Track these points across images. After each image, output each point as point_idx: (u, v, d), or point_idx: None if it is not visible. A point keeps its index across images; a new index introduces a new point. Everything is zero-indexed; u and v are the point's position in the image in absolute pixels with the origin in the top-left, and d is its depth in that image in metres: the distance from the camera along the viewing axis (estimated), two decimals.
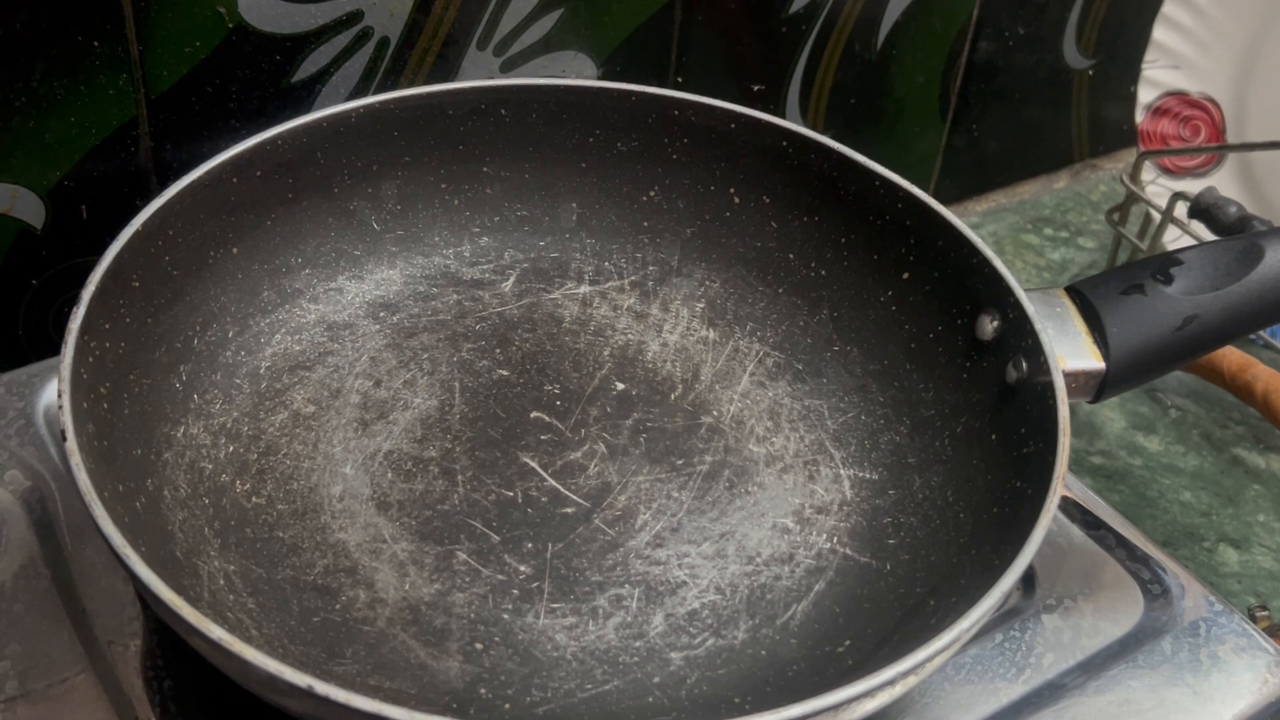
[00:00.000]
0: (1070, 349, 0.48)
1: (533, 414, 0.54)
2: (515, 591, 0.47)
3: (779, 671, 0.45)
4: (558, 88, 0.58)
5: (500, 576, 0.47)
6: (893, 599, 0.47)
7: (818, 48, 0.74)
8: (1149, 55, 0.80)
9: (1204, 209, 0.71)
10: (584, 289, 0.60)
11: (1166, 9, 0.79)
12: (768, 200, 0.58)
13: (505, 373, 0.56)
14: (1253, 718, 0.48)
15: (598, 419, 0.54)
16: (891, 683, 0.37)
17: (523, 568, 0.48)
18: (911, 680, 0.38)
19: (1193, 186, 0.77)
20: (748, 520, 0.50)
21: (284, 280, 0.56)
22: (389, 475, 0.51)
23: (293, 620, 0.45)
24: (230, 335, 0.53)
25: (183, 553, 0.45)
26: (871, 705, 0.38)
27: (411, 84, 0.63)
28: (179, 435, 0.49)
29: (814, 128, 0.68)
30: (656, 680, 0.44)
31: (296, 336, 0.55)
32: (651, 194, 0.60)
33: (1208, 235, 0.72)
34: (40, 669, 0.44)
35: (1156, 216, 0.76)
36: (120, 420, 0.45)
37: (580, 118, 0.59)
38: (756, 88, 0.74)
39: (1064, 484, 0.43)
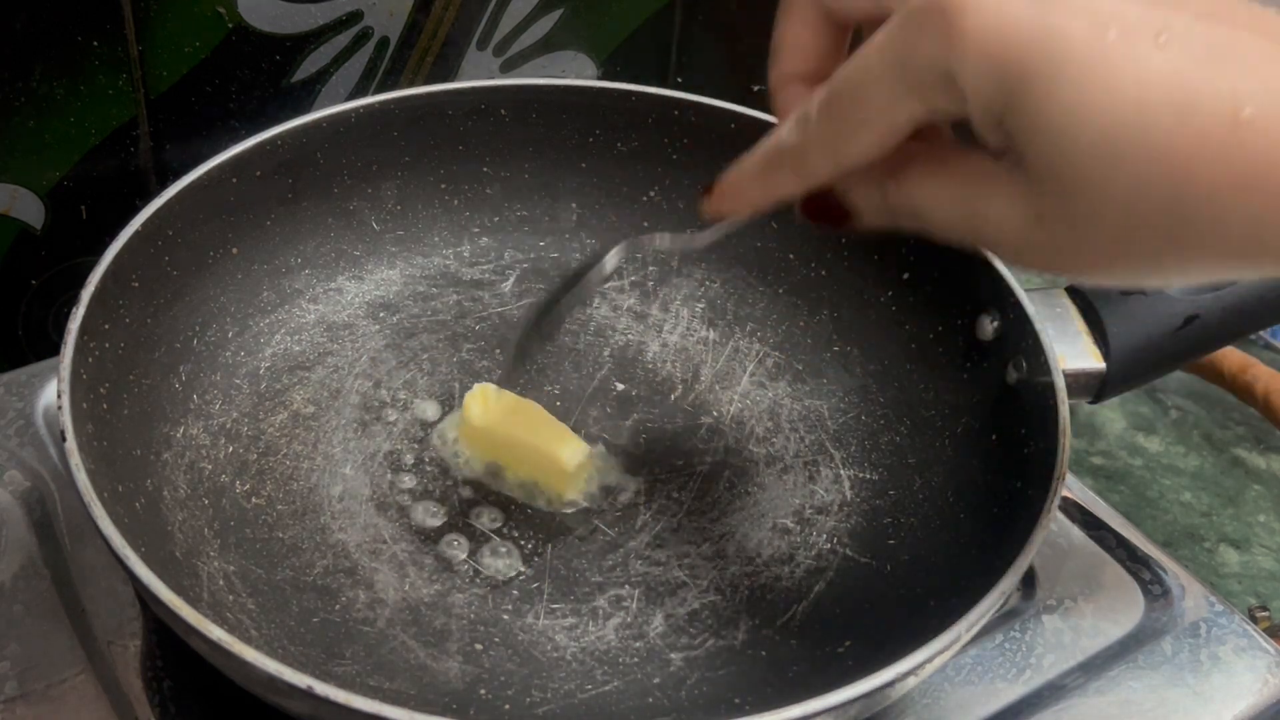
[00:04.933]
0: (1070, 349, 0.48)
1: None
2: (515, 592, 0.47)
3: (779, 672, 0.45)
4: (558, 88, 0.58)
5: (500, 577, 0.47)
6: (893, 599, 0.47)
7: None
8: None
9: None
10: None
11: None
12: None
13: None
14: (1253, 718, 0.48)
15: (598, 419, 0.54)
16: (891, 683, 0.37)
17: (523, 568, 0.48)
18: (911, 681, 0.38)
19: None
20: (748, 521, 0.50)
21: (284, 280, 0.56)
22: (389, 476, 0.51)
23: (292, 621, 0.45)
24: (230, 335, 0.53)
25: (182, 553, 0.45)
26: (872, 706, 0.38)
27: (411, 84, 0.63)
28: (178, 435, 0.49)
29: None
30: (656, 681, 0.44)
31: (296, 337, 0.55)
32: (651, 194, 0.60)
33: None
34: (40, 669, 0.44)
35: None
36: (120, 420, 0.45)
37: (580, 118, 0.59)
38: (756, 88, 0.74)
39: (1064, 484, 0.43)
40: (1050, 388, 0.46)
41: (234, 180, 0.52)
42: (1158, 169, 0.28)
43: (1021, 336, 0.48)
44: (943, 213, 0.33)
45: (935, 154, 0.33)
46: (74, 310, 0.44)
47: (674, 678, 0.44)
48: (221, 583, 0.45)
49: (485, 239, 0.60)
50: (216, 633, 0.36)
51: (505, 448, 0.50)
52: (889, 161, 0.33)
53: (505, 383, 0.49)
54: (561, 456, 0.49)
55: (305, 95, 0.60)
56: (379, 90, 0.62)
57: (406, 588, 0.47)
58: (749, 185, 0.37)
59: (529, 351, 0.47)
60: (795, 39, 0.37)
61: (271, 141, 0.53)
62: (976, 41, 0.29)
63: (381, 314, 0.57)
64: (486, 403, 0.51)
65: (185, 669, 0.45)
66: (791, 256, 0.58)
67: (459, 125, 0.58)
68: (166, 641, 0.45)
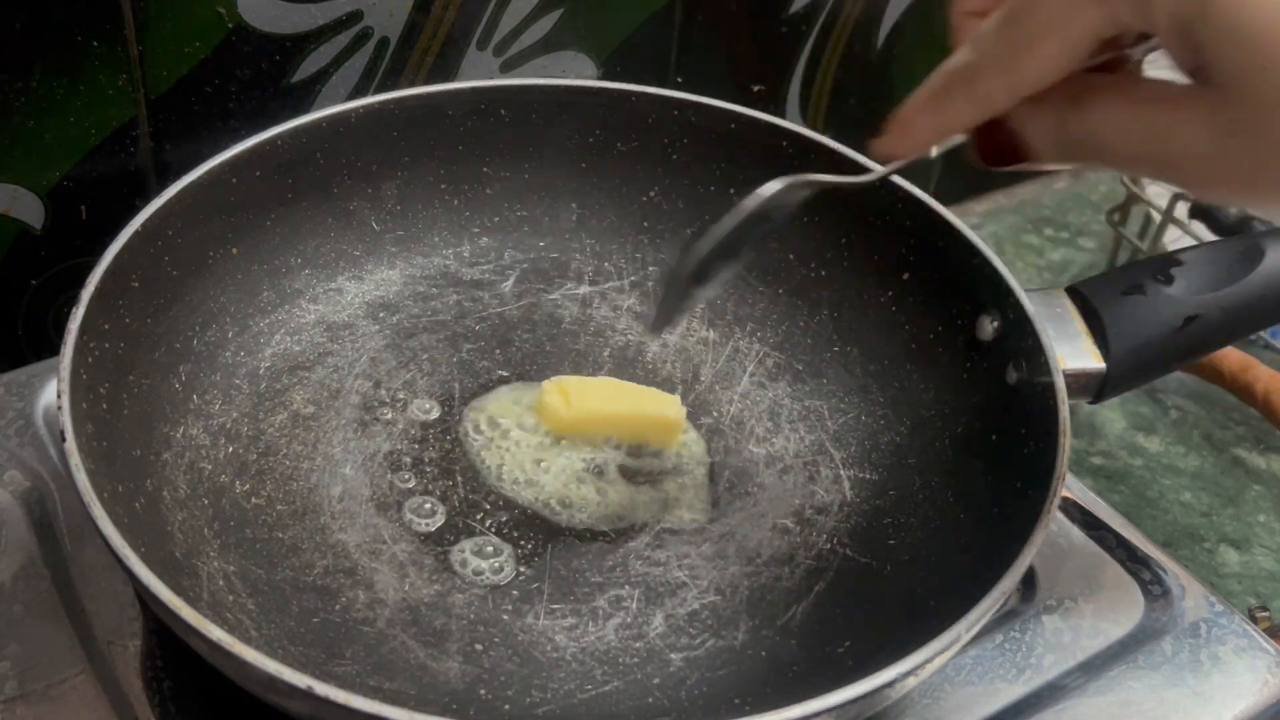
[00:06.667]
0: (1070, 349, 0.48)
1: None
2: (515, 592, 0.47)
3: (779, 672, 0.45)
4: (558, 88, 0.58)
5: (500, 577, 0.47)
6: (893, 600, 0.47)
7: (818, 48, 0.74)
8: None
9: (1204, 209, 0.71)
10: (584, 289, 0.60)
11: None
12: None
13: (505, 373, 0.56)
14: (1253, 718, 0.47)
15: None
16: (891, 684, 0.37)
17: (523, 568, 0.48)
18: (911, 681, 0.38)
19: None
20: (748, 521, 0.50)
21: (284, 280, 0.56)
22: (389, 476, 0.51)
23: (292, 621, 0.45)
24: (230, 335, 0.53)
25: (182, 553, 0.45)
26: (872, 706, 0.38)
27: (411, 84, 0.63)
28: (178, 436, 0.49)
29: (814, 128, 0.68)
30: (656, 681, 0.44)
31: (296, 337, 0.55)
32: (651, 194, 0.60)
33: (1208, 235, 0.72)
34: (40, 669, 0.44)
35: (1157, 217, 0.76)
36: (120, 421, 0.45)
37: (580, 118, 0.59)
38: (756, 88, 0.74)
39: (1064, 484, 0.43)
40: (1050, 388, 0.46)
41: (234, 180, 0.52)
42: None
43: (1021, 337, 0.48)
44: (1127, 141, 0.32)
45: (1115, 83, 0.32)
46: (74, 310, 0.44)
47: (674, 678, 0.44)
48: (221, 583, 0.45)
49: (485, 239, 0.60)
50: (216, 633, 0.36)
51: (606, 424, 0.52)
52: (1066, 93, 0.32)
53: (654, 329, 0.51)
54: (667, 412, 0.52)
55: (305, 95, 0.60)
56: (379, 90, 0.61)
57: (406, 588, 0.47)
58: (921, 117, 0.35)
59: (681, 296, 0.43)
60: None
61: (271, 141, 0.53)
62: None
63: (381, 314, 0.57)
64: (565, 395, 0.52)
65: (185, 669, 0.45)
66: (791, 257, 0.58)
67: (459, 125, 0.58)
68: (166, 641, 0.45)
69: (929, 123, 0.35)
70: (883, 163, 0.37)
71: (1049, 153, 0.34)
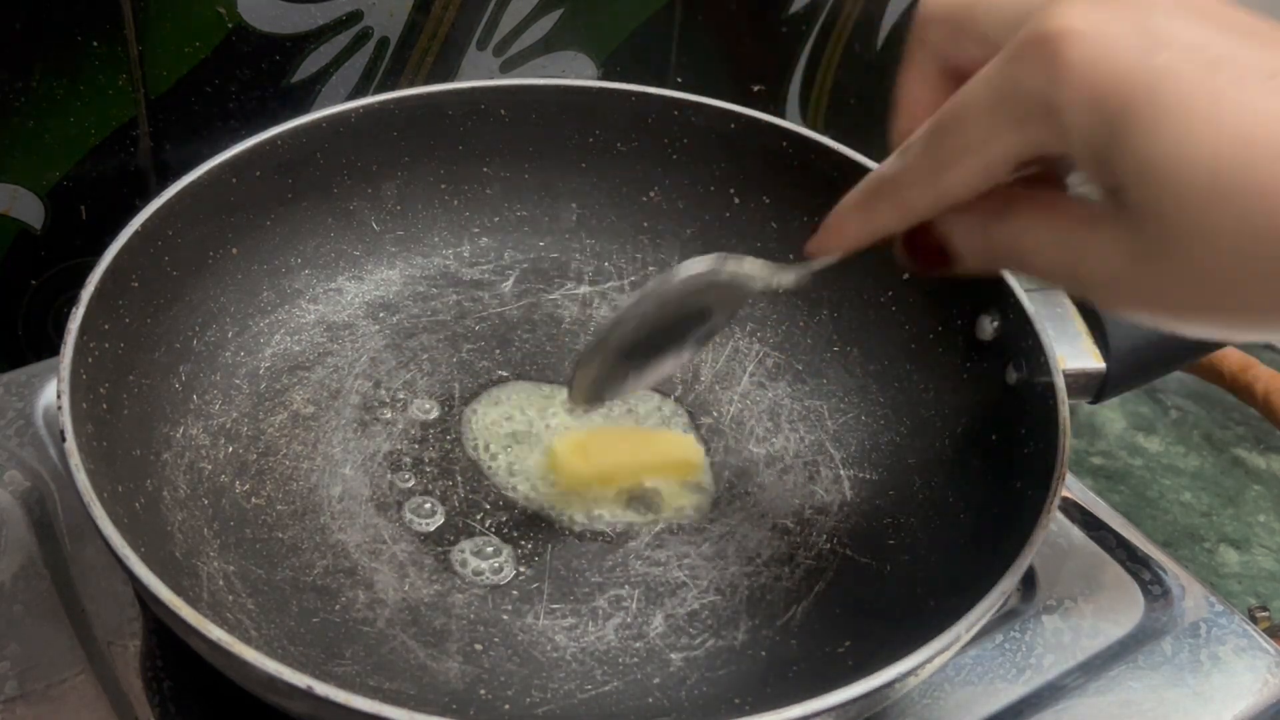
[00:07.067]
0: (1070, 349, 0.48)
1: None
2: (515, 592, 0.47)
3: (779, 672, 0.45)
4: (558, 88, 0.58)
5: (500, 577, 0.47)
6: (893, 600, 0.47)
7: (818, 48, 0.74)
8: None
9: None
10: (584, 289, 0.60)
11: None
12: (768, 200, 0.58)
13: (505, 373, 0.56)
14: (1253, 718, 0.48)
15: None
16: (891, 684, 0.37)
17: (522, 568, 0.48)
18: (911, 681, 0.38)
19: None
20: (748, 521, 0.50)
21: (284, 280, 0.56)
22: (388, 476, 0.51)
23: (292, 621, 0.45)
24: (230, 336, 0.53)
25: (182, 553, 0.45)
26: (872, 706, 0.38)
27: (411, 84, 0.63)
28: (178, 436, 0.49)
29: (814, 128, 0.68)
30: (656, 681, 0.44)
31: (296, 337, 0.55)
32: (651, 194, 0.60)
33: None
34: (40, 669, 0.44)
35: None
36: (120, 421, 0.45)
37: (580, 118, 0.59)
38: (756, 88, 0.74)
39: (1064, 484, 0.43)
40: (1050, 388, 0.46)
41: (234, 180, 0.52)
42: (1263, 208, 0.27)
43: (1022, 337, 0.48)
44: (1043, 255, 0.32)
45: (1037, 197, 0.33)
46: (74, 310, 0.44)
47: (674, 678, 0.44)
48: (221, 583, 0.45)
49: (485, 239, 0.60)
50: (216, 633, 0.36)
51: (626, 475, 0.51)
52: (991, 203, 0.33)
53: (573, 400, 0.47)
54: (687, 456, 0.51)
55: (305, 95, 0.60)
56: (379, 90, 0.62)
57: (406, 588, 0.47)
58: (849, 219, 0.36)
59: (600, 374, 0.45)
60: (914, 95, 0.36)
61: (271, 141, 0.53)
62: (1080, 73, 0.28)
63: (381, 314, 0.57)
64: (583, 450, 0.51)
65: (185, 669, 0.45)
66: (791, 257, 0.58)
67: (459, 125, 0.58)
68: (166, 641, 0.45)
69: (858, 226, 0.36)
70: (809, 258, 0.39)
71: (973, 259, 0.35)
